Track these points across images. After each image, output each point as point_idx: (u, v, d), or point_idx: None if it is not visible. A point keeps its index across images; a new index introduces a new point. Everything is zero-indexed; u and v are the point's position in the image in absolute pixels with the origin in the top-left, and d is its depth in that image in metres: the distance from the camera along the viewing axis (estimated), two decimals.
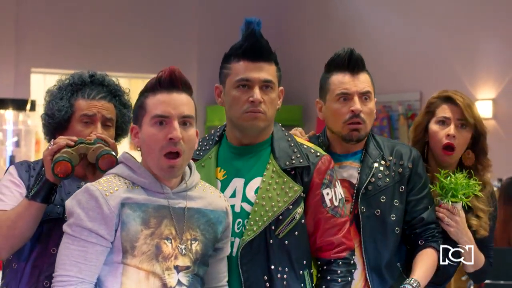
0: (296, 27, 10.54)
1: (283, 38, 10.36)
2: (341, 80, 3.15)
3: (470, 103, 3.37)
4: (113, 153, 2.75)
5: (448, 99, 3.38)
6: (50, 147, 2.75)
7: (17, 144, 9.05)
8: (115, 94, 3.03)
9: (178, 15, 10.21)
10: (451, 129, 3.33)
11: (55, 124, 2.95)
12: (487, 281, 5.53)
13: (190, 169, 2.72)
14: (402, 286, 3.06)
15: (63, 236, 2.55)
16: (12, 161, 8.59)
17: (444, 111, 3.37)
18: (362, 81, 3.15)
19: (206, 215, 2.67)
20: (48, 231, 2.81)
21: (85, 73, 3.02)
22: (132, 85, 8.98)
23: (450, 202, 3.21)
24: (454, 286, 6.50)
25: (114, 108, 3.01)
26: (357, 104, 3.12)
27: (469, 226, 3.31)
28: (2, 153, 8.94)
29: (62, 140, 2.76)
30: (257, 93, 2.84)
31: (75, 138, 2.78)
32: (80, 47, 9.45)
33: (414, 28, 9.23)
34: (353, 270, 2.91)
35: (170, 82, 2.60)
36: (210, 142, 3.02)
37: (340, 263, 2.88)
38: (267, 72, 2.87)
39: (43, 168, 2.77)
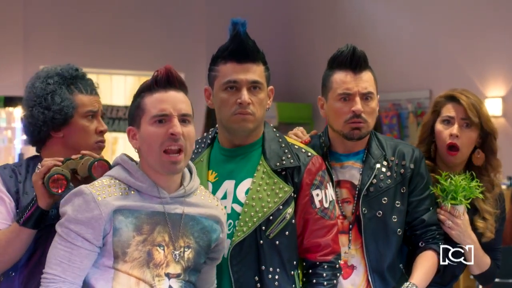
0: (305, 26, 10.52)
1: (292, 37, 10.34)
2: (343, 79, 3.11)
3: (476, 102, 3.31)
4: (105, 159, 2.73)
5: (452, 98, 3.34)
6: (38, 171, 2.70)
7: (26, 142, 9.07)
8: (96, 88, 2.99)
9: (187, 13, 10.20)
10: (454, 128, 3.29)
11: (56, 119, 2.86)
12: (495, 280, 5.51)
13: (191, 173, 2.70)
14: None
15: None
16: (21, 159, 8.61)
17: (449, 110, 3.33)
18: (365, 81, 3.10)
19: (201, 223, 2.65)
20: (45, 236, 2.74)
21: (72, 66, 2.96)
22: (141, 83, 8.94)
23: (449, 205, 3.18)
24: (463, 285, 6.49)
25: None
26: (358, 105, 3.08)
27: (475, 229, 3.27)
28: (11, 151, 8.96)
29: (49, 161, 2.71)
30: (244, 94, 2.82)
31: (61, 158, 2.73)
32: (88, 45, 9.45)
33: (424, 26, 9.20)
34: (338, 274, 2.89)
35: (167, 80, 2.59)
36: (203, 145, 3.01)
37: (326, 266, 2.86)
38: (254, 73, 2.85)
39: (35, 193, 2.70)
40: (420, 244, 3.14)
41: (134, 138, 2.62)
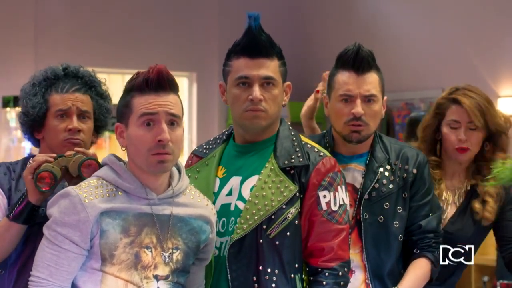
0: (318, 24, 10.47)
1: (305, 35, 10.31)
2: (345, 80, 3.05)
3: (480, 102, 3.26)
4: (95, 158, 2.70)
5: (455, 101, 3.29)
6: (29, 165, 2.69)
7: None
8: (90, 85, 2.95)
9: (199, 12, 10.18)
10: (461, 133, 3.26)
11: (31, 121, 2.89)
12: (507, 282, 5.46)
13: (180, 173, 2.67)
14: None
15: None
16: None
17: (453, 114, 3.29)
18: (368, 83, 3.04)
19: (190, 224, 2.61)
20: (34, 234, 2.72)
21: (59, 66, 2.96)
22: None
23: None
24: (475, 286, 6.42)
25: (91, 100, 2.94)
26: (358, 107, 3.02)
27: (476, 212, 3.26)
28: (21, 150, 8.97)
29: (41, 156, 2.70)
30: (256, 90, 2.76)
31: (54, 154, 2.72)
32: (100, 45, 9.44)
33: (436, 24, 9.15)
34: (342, 283, 2.76)
35: (158, 83, 2.55)
36: (218, 141, 2.96)
37: (327, 273, 2.74)
38: (267, 68, 2.77)
39: (26, 188, 2.70)
40: (415, 251, 3.09)
41: (121, 135, 2.59)
